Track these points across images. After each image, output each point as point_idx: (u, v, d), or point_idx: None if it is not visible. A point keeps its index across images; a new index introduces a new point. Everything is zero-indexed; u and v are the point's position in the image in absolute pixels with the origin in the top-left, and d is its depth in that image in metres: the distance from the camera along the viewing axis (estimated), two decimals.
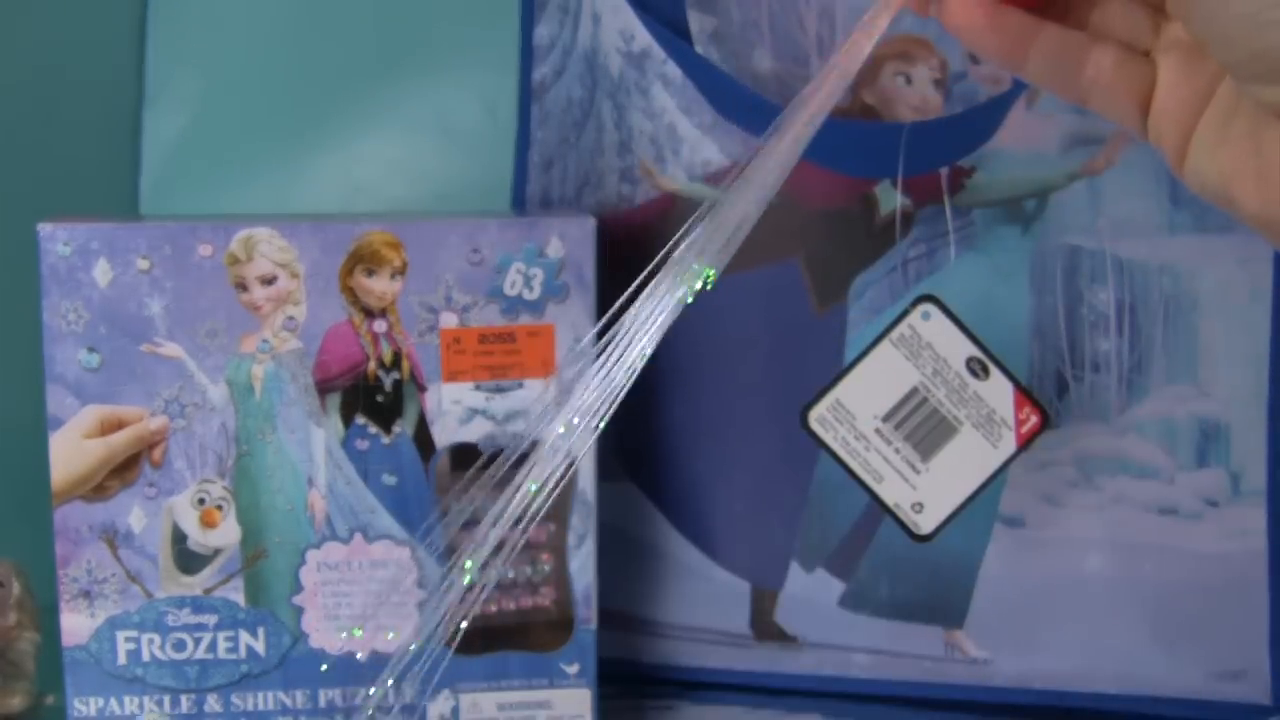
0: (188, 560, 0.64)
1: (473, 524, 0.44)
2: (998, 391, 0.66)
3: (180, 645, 0.65)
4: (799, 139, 0.47)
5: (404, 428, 0.65)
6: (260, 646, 0.65)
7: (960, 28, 0.46)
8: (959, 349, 0.66)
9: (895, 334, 0.66)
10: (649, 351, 0.46)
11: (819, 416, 0.66)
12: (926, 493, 0.66)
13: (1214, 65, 0.44)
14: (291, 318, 0.64)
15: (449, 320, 0.65)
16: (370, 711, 0.61)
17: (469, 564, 0.44)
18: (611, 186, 0.73)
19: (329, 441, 0.65)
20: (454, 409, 0.65)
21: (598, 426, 0.45)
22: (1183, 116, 0.45)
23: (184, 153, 0.79)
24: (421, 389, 0.65)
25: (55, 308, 0.62)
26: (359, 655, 0.65)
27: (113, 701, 0.64)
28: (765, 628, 0.73)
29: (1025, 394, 0.66)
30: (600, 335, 0.49)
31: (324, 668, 0.65)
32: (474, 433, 0.65)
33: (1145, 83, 0.46)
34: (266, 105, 0.79)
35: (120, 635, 0.64)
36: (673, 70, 0.71)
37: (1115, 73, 0.46)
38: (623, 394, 0.44)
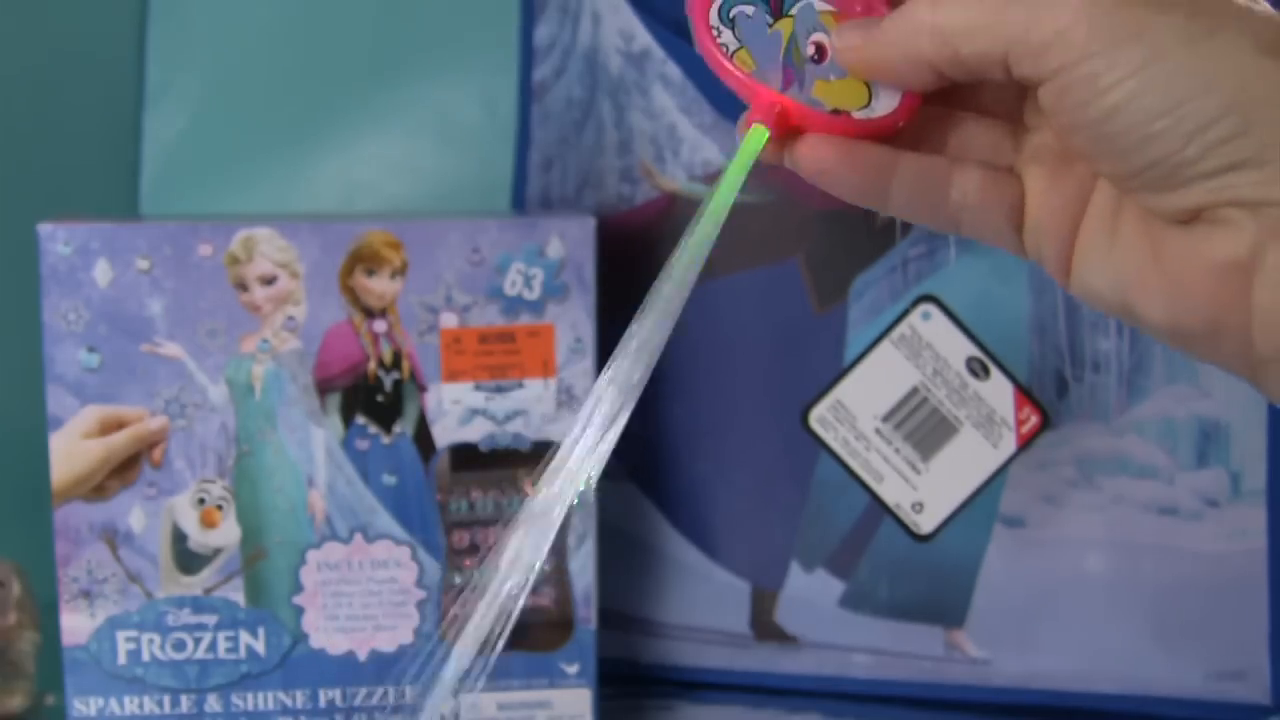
0: (188, 560, 0.64)
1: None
2: (998, 391, 0.66)
3: (180, 645, 0.65)
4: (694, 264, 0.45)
5: (404, 428, 0.65)
6: (260, 646, 0.65)
7: (815, 173, 0.43)
8: (959, 349, 0.66)
9: (895, 334, 0.66)
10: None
11: (819, 416, 0.66)
12: (926, 493, 0.66)
13: (1080, 171, 0.43)
14: (291, 318, 0.64)
15: (449, 320, 0.65)
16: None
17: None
18: (611, 186, 0.73)
19: (329, 441, 0.65)
20: (454, 409, 0.65)
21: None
22: (1058, 227, 0.44)
23: (184, 153, 0.79)
24: (421, 389, 0.65)
25: (55, 308, 0.62)
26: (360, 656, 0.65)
27: (113, 701, 0.64)
28: (765, 628, 0.73)
29: (1025, 394, 0.66)
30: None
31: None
32: (474, 433, 0.65)
33: (1014, 198, 0.44)
34: (266, 105, 0.79)
35: (120, 635, 0.64)
36: (673, 70, 0.71)
37: (982, 194, 0.44)
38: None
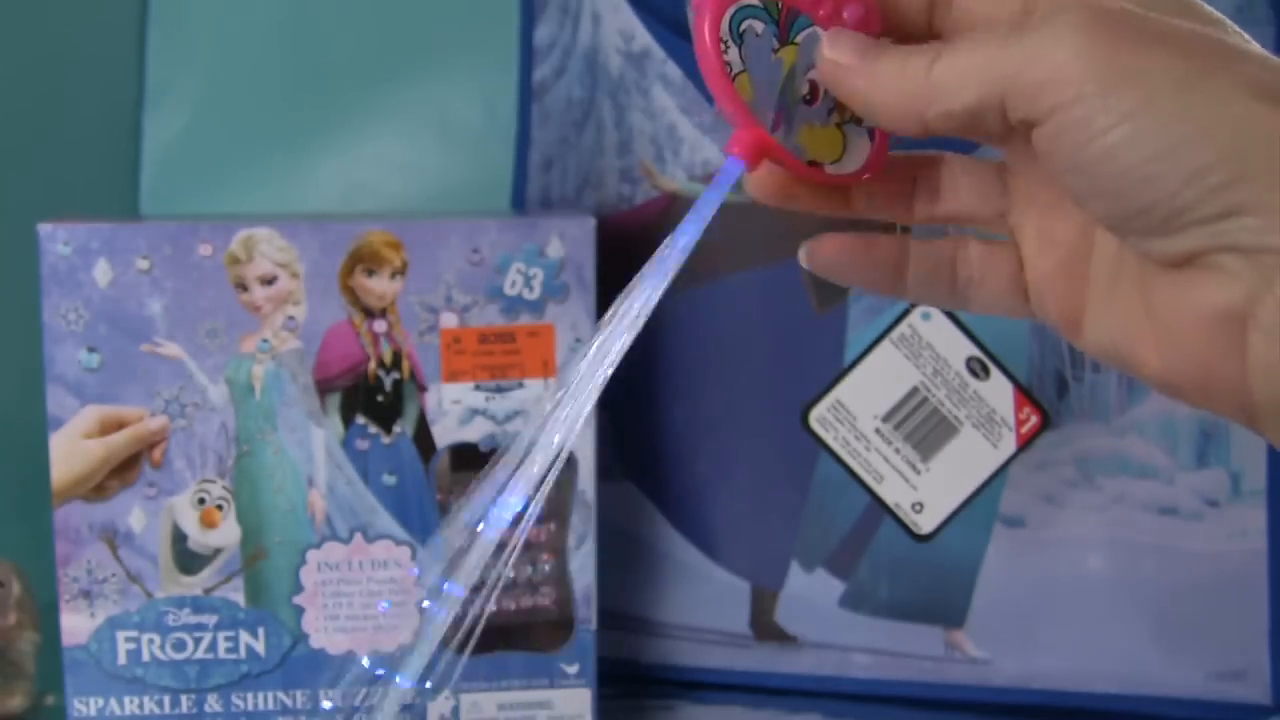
0: (188, 560, 0.64)
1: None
2: (998, 391, 0.66)
3: (180, 645, 0.65)
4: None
5: (404, 428, 0.65)
6: (260, 646, 0.65)
7: (830, 268, 0.46)
8: (959, 349, 0.66)
9: (895, 334, 0.66)
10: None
11: (819, 416, 0.66)
12: (926, 493, 0.66)
13: (1068, 232, 0.43)
14: (291, 318, 0.64)
15: (449, 320, 0.65)
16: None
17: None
18: (611, 186, 0.73)
19: (329, 441, 0.65)
20: (454, 409, 0.65)
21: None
22: (1054, 288, 0.44)
23: (184, 153, 0.79)
24: (421, 389, 0.65)
25: (55, 308, 0.62)
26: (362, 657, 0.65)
27: (113, 701, 0.64)
28: (765, 628, 0.73)
29: (1025, 394, 0.66)
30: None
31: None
32: (474, 433, 0.65)
33: (1013, 267, 0.45)
34: (266, 105, 0.79)
35: (120, 635, 0.64)
36: (673, 70, 0.71)
37: (983, 265, 0.45)
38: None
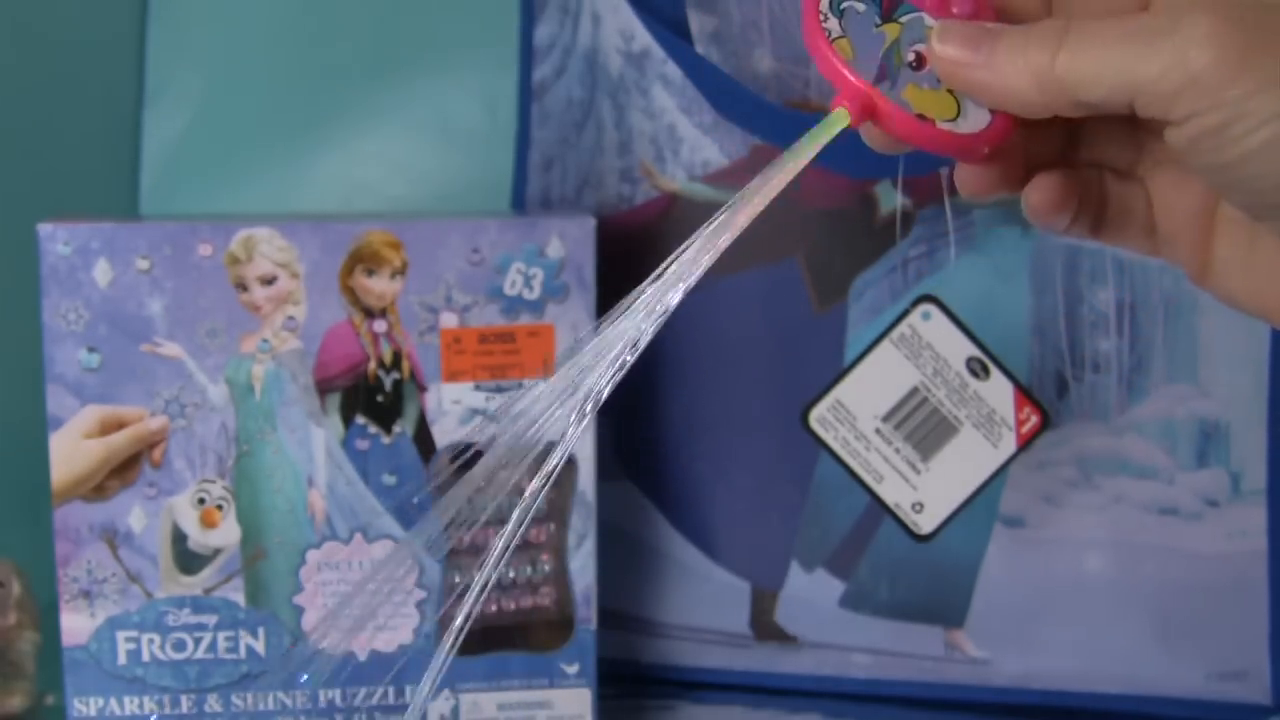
0: (188, 560, 0.64)
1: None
2: (998, 391, 0.66)
3: (180, 645, 0.65)
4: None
5: (404, 428, 0.65)
6: (260, 646, 0.65)
7: (1044, 204, 0.45)
8: (959, 349, 0.66)
9: (895, 334, 0.66)
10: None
11: (819, 416, 0.66)
12: (926, 493, 0.66)
13: (1200, 187, 0.44)
14: (291, 318, 0.64)
15: (449, 320, 0.65)
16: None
17: None
18: (611, 186, 0.73)
19: (329, 441, 0.65)
20: (454, 409, 0.65)
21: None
22: (1188, 234, 0.44)
23: (184, 153, 0.79)
24: (421, 389, 0.65)
25: (55, 308, 0.62)
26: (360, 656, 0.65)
27: (113, 701, 0.64)
28: (765, 628, 0.73)
29: (1025, 394, 0.66)
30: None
31: (304, 678, 0.65)
32: (474, 433, 0.65)
33: (1144, 204, 0.45)
34: (266, 105, 0.79)
35: (120, 635, 0.64)
36: (673, 70, 0.71)
37: (1120, 199, 0.46)
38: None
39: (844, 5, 0.43)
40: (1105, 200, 0.46)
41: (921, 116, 0.42)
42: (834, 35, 0.42)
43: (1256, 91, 0.37)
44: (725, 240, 0.42)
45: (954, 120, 0.43)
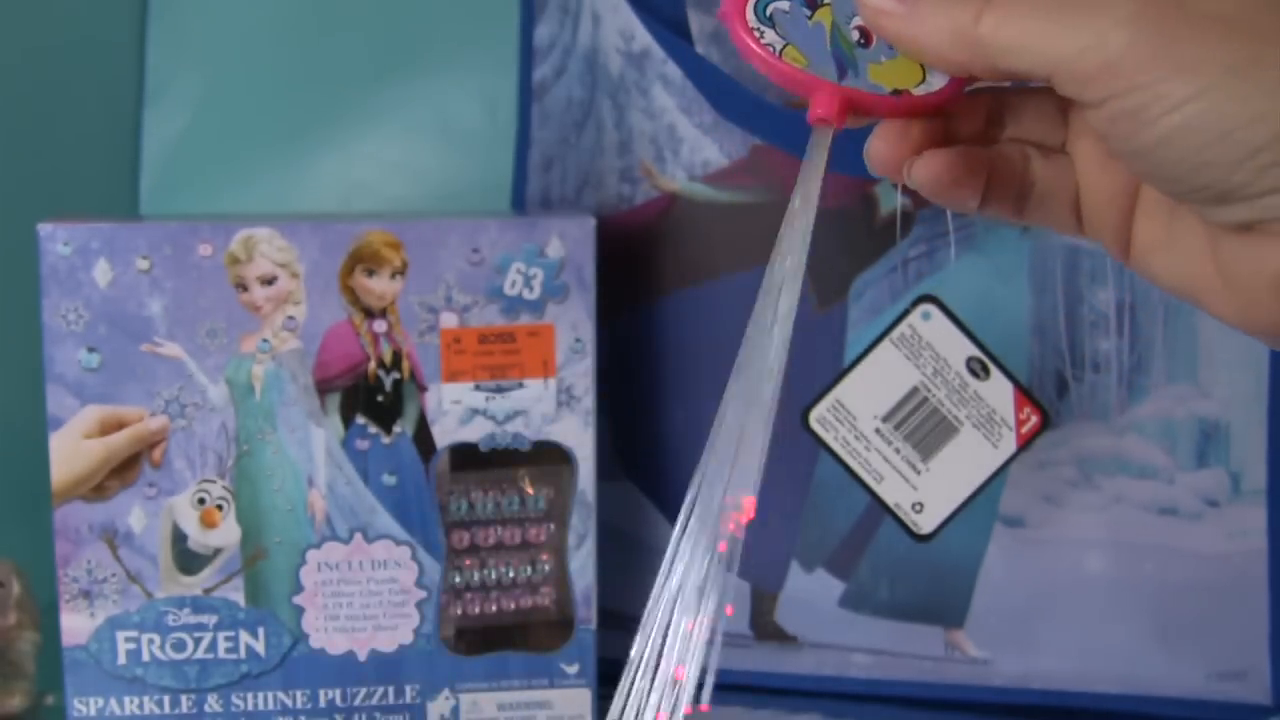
0: (188, 560, 0.64)
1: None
2: (998, 391, 0.66)
3: (180, 645, 0.65)
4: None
5: (404, 428, 0.65)
6: (260, 646, 0.65)
7: (929, 182, 0.44)
8: (959, 349, 0.66)
9: (895, 334, 0.66)
10: None
11: (819, 416, 0.66)
12: (926, 493, 0.66)
13: (1122, 166, 0.44)
14: (291, 318, 0.64)
15: (449, 320, 0.65)
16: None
17: None
18: (611, 186, 0.73)
19: (329, 441, 0.65)
20: (454, 409, 0.65)
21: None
22: (1112, 215, 0.44)
23: (184, 153, 0.79)
24: (421, 389, 0.65)
25: (55, 308, 0.62)
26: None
27: (113, 701, 0.64)
28: (765, 628, 0.73)
29: (1025, 394, 0.66)
30: None
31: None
32: (474, 433, 0.65)
33: (1071, 185, 0.45)
34: (266, 105, 0.79)
35: (120, 635, 0.64)
36: (673, 70, 0.71)
37: (1045, 178, 0.45)
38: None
39: (770, 10, 0.42)
40: (1030, 179, 0.45)
41: (896, 91, 0.42)
42: (778, 48, 0.42)
43: (1171, 76, 0.37)
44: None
45: (924, 81, 0.43)
